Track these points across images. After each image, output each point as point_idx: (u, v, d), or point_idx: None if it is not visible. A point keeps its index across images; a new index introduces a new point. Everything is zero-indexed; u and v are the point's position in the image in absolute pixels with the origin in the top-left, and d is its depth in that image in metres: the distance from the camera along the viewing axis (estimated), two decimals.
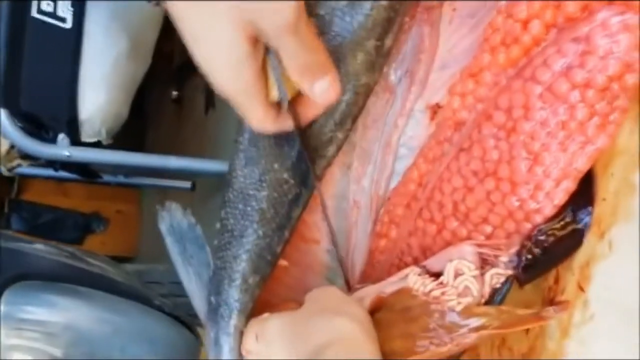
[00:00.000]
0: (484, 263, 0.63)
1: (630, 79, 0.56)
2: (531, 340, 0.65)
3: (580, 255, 0.61)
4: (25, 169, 1.87)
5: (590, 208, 0.60)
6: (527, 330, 0.65)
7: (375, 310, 0.67)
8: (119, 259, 1.81)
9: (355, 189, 0.73)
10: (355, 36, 0.64)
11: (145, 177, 2.21)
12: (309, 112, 0.63)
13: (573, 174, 0.59)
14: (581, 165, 0.59)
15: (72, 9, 1.58)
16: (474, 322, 0.60)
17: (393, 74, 0.71)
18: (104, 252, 1.24)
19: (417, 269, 0.65)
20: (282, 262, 0.71)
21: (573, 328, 0.60)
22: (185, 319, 0.98)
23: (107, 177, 2.08)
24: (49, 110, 1.61)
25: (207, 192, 2.02)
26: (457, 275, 0.62)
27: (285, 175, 0.67)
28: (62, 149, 1.64)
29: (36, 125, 1.63)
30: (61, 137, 1.64)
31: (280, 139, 0.65)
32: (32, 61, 1.56)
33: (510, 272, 0.62)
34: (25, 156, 1.73)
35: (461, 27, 0.68)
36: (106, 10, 1.63)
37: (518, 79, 0.60)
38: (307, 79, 0.58)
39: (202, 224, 0.76)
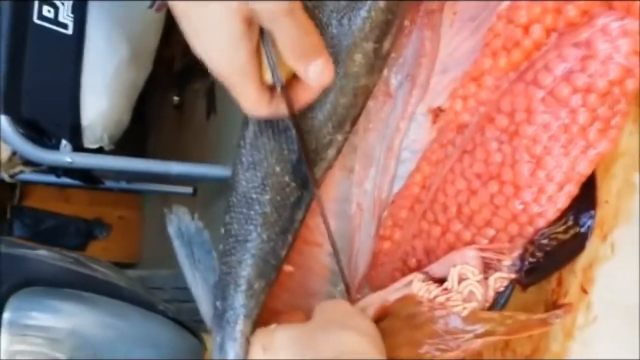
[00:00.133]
0: (487, 267, 0.63)
1: (631, 84, 0.56)
2: (534, 342, 0.65)
3: (583, 258, 0.61)
4: (27, 175, 1.87)
5: (592, 212, 0.61)
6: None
7: (380, 319, 0.67)
8: (121, 265, 1.81)
9: (358, 192, 0.73)
10: (354, 38, 0.64)
11: (147, 182, 2.21)
12: (303, 97, 0.63)
13: (575, 178, 0.60)
14: (583, 169, 0.59)
15: (73, 15, 1.58)
16: (479, 328, 0.61)
17: (394, 78, 0.71)
18: (106, 258, 1.24)
19: (420, 276, 0.65)
20: (287, 268, 0.71)
21: (576, 330, 0.61)
22: (188, 324, 0.98)
23: (109, 183, 2.08)
24: (51, 116, 1.61)
25: (208, 198, 2.02)
26: (461, 280, 0.63)
27: (287, 179, 0.67)
28: (64, 155, 1.64)
29: (38, 132, 1.63)
30: (63, 143, 1.64)
31: (280, 142, 0.66)
32: (34, 67, 1.56)
33: (513, 275, 0.62)
34: (27, 162, 1.73)
35: (462, 31, 0.68)
36: (107, 16, 1.63)
37: (520, 83, 0.60)
38: (301, 60, 0.58)
39: None
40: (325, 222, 0.70)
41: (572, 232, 0.61)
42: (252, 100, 0.60)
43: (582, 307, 0.61)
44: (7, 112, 1.55)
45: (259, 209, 0.68)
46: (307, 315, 0.70)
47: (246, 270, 0.68)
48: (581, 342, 0.60)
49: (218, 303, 0.70)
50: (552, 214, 0.61)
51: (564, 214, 0.61)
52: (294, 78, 0.61)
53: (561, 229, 0.61)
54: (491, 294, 0.62)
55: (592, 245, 0.60)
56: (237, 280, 0.69)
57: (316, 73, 0.58)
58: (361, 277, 0.74)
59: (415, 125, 0.71)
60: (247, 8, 0.54)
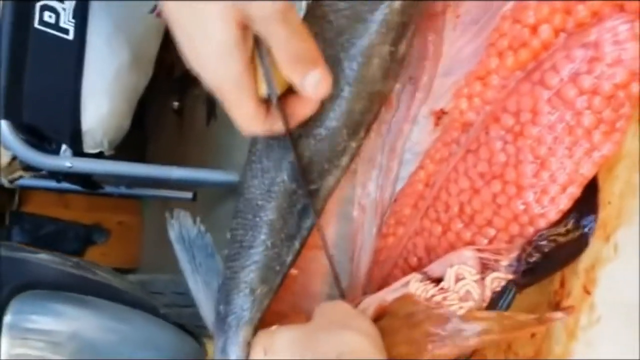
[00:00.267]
0: (485, 267, 0.63)
1: (636, 88, 0.57)
2: (537, 344, 0.65)
3: (586, 259, 0.61)
4: (27, 180, 1.87)
5: (593, 216, 0.61)
6: (533, 334, 0.65)
7: (379, 318, 0.67)
8: (120, 271, 1.80)
9: (361, 194, 0.73)
10: (370, 41, 0.63)
11: (146, 188, 2.21)
12: (300, 111, 0.62)
13: (579, 180, 0.60)
14: (587, 171, 0.59)
15: (74, 20, 1.58)
16: (476, 326, 0.61)
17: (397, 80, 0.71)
18: (105, 264, 1.24)
19: (418, 276, 0.66)
20: (292, 271, 0.71)
21: (580, 331, 0.61)
22: (190, 328, 0.98)
23: (109, 188, 2.08)
24: (51, 121, 1.61)
25: (208, 203, 2.02)
26: (458, 280, 0.63)
27: (294, 186, 0.67)
28: (64, 160, 1.64)
29: (38, 137, 1.63)
30: (63, 148, 1.64)
31: (288, 149, 0.65)
32: (34, 73, 1.56)
33: (510, 276, 0.62)
34: (27, 167, 1.73)
35: (465, 34, 0.68)
36: (108, 21, 1.63)
37: (526, 82, 0.60)
38: (298, 70, 0.57)
39: None
40: (321, 233, 0.70)
41: (572, 234, 0.61)
42: (247, 114, 0.59)
43: (585, 308, 0.61)
44: (7, 117, 1.55)
45: (265, 216, 0.67)
46: (309, 318, 0.70)
47: (249, 275, 0.68)
48: (584, 342, 0.60)
49: (221, 307, 0.70)
50: (553, 215, 0.61)
51: (565, 216, 0.61)
52: (290, 92, 0.60)
53: (561, 231, 0.61)
54: (488, 293, 0.62)
55: (595, 246, 0.60)
56: (240, 285, 0.68)
57: (313, 84, 0.58)
58: (363, 275, 0.74)
59: (418, 128, 0.71)
60: (241, 14, 0.54)
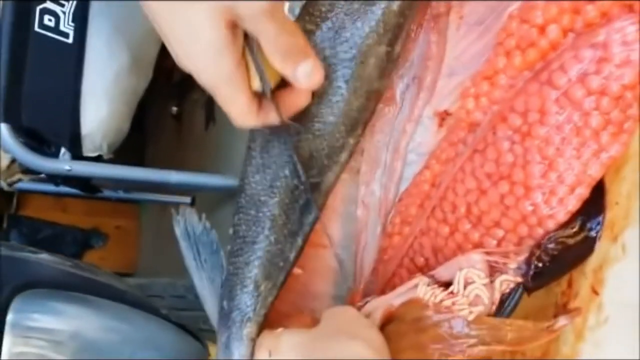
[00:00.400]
0: (493, 270, 0.63)
1: None
2: (544, 345, 0.65)
3: (594, 259, 0.61)
4: (26, 184, 1.87)
5: (600, 217, 0.61)
6: None
7: (386, 323, 0.67)
8: (118, 275, 1.81)
9: (364, 192, 0.73)
10: (367, 41, 0.64)
11: (145, 192, 2.21)
12: (294, 103, 0.62)
13: (587, 181, 0.60)
14: (595, 172, 0.59)
15: (73, 23, 1.58)
16: (485, 333, 0.61)
17: (400, 81, 0.71)
18: (103, 268, 1.24)
19: (425, 279, 0.65)
20: (295, 270, 0.71)
21: (587, 331, 0.61)
22: (191, 329, 0.98)
23: (107, 192, 2.08)
24: (51, 124, 1.61)
25: (207, 207, 2.01)
26: (467, 284, 0.62)
27: (296, 181, 0.67)
28: (63, 163, 1.64)
29: (37, 140, 1.63)
30: (62, 151, 1.64)
31: (290, 145, 0.65)
32: (34, 76, 1.56)
33: (519, 279, 0.62)
34: (26, 171, 1.72)
35: (469, 35, 0.69)
36: (108, 24, 1.63)
37: (534, 82, 0.60)
38: (289, 63, 0.57)
39: None
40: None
41: (579, 236, 0.61)
42: (241, 109, 0.59)
43: (593, 308, 0.61)
44: (7, 120, 1.55)
45: (267, 211, 0.68)
46: (313, 318, 0.70)
47: (253, 271, 0.68)
48: (592, 343, 0.60)
49: (224, 303, 0.70)
50: (562, 216, 0.61)
51: (573, 218, 0.61)
52: (282, 85, 0.61)
53: (569, 232, 0.61)
54: (497, 296, 0.62)
55: (603, 246, 0.60)
56: (244, 281, 0.68)
57: (305, 75, 0.58)
58: (367, 273, 0.74)
59: (422, 129, 0.71)
60: (230, 12, 0.54)
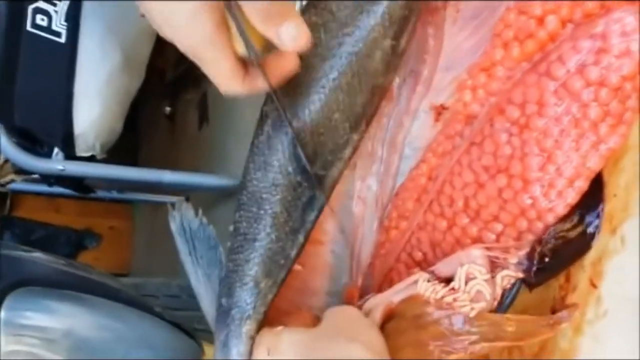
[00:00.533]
0: (494, 266, 0.62)
1: None
2: (542, 340, 0.64)
3: (592, 252, 0.61)
4: (19, 184, 1.87)
5: (599, 210, 0.60)
6: None
7: (387, 320, 0.66)
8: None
9: (361, 187, 0.73)
10: (373, 34, 0.63)
11: (138, 192, 2.20)
12: (281, 68, 0.60)
13: (586, 174, 0.59)
14: (594, 164, 0.59)
15: (66, 23, 1.58)
16: (486, 329, 0.60)
17: (398, 74, 0.71)
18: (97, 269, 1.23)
19: (425, 275, 0.65)
20: (296, 267, 0.70)
21: (586, 325, 0.60)
22: (186, 327, 0.98)
23: (100, 193, 2.07)
24: (44, 124, 1.61)
25: (200, 207, 2.01)
26: (468, 279, 0.62)
27: (299, 178, 0.66)
28: (56, 163, 1.63)
29: (30, 140, 1.62)
30: (55, 151, 1.63)
31: (294, 141, 0.65)
32: (27, 76, 1.56)
33: (520, 274, 0.61)
34: (19, 171, 1.72)
35: (465, 28, 0.68)
36: (100, 24, 1.63)
37: (533, 74, 0.60)
38: (270, 24, 0.55)
39: None
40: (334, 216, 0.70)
41: (578, 229, 0.61)
42: (225, 75, 0.58)
43: (591, 301, 0.60)
44: None
45: (269, 209, 0.67)
46: (313, 315, 0.69)
47: (253, 269, 0.67)
48: (591, 337, 0.60)
49: (223, 300, 0.69)
50: (561, 209, 0.60)
51: (572, 211, 0.61)
52: (268, 51, 0.59)
53: (568, 226, 0.61)
54: (499, 291, 0.62)
55: (602, 238, 0.60)
56: (244, 278, 0.68)
57: (289, 35, 0.55)
58: (365, 267, 0.74)
59: (418, 123, 0.71)
60: None
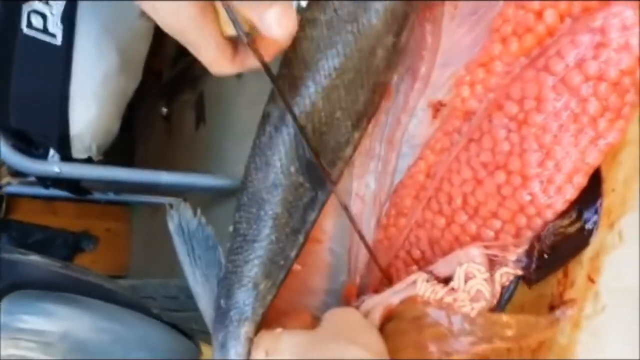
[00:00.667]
0: (492, 264, 0.62)
1: None
2: None
3: (590, 247, 0.60)
4: (15, 187, 1.86)
5: (597, 206, 0.60)
6: None
7: (386, 322, 0.66)
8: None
9: (358, 185, 0.73)
10: (375, 31, 0.63)
11: (135, 194, 2.20)
12: (274, 44, 0.59)
13: (584, 169, 0.59)
14: (593, 159, 0.59)
15: (62, 24, 1.58)
16: (487, 329, 0.60)
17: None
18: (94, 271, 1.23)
19: (424, 275, 0.64)
20: (295, 267, 0.70)
21: (584, 320, 0.60)
22: (184, 328, 0.97)
23: (97, 195, 2.07)
24: (39, 126, 1.60)
25: (197, 208, 2.01)
26: (467, 279, 0.61)
27: (301, 179, 0.66)
28: (53, 165, 1.63)
29: (26, 142, 1.62)
30: (52, 153, 1.63)
31: (297, 141, 0.64)
32: (22, 77, 1.56)
33: (519, 271, 0.61)
34: (15, 173, 1.71)
35: (463, 25, 0.68)
36: (96, 25, 1.62)
37: (531, 69, 0.60)
38: (255, 9, 0.53)
39: None
40: (352, 221, 0.69)
41: (577, 225, 0.61)
42: (212, 56, 0.57)
43: (589, 296, 0.60)
44: None
45: (269, 210, 0.66)
46: (312, 315, 0.69)
47: (253, 270, 0.67)
48: (590, 332, 0.59)
49: (222, 301, 0.68)
50: (560, 205, 0.60)
51: (571, 207, 0.60)
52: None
53: (566, 222, 0.60)
54: (498, 288, 0.61)
55: (599, 233, 0.60)
56: (243, 279, 0.67)
57: (273, 22, 0.53)
58: (363, 268, 0.74)
59: (416, 120, 0.71)
60: None
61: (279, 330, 0.65)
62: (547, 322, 0.60)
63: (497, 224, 0.63)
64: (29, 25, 1.54)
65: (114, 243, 2.61)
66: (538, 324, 0.60)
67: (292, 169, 0.65)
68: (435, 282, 0.64)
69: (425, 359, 0.61)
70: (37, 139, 1.63)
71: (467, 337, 0.60)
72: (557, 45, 0.58)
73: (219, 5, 0.55)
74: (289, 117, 0.63)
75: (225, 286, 0.68)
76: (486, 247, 0.62)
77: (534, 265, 0.60)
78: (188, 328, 0.97)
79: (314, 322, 0.66)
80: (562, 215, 0.60)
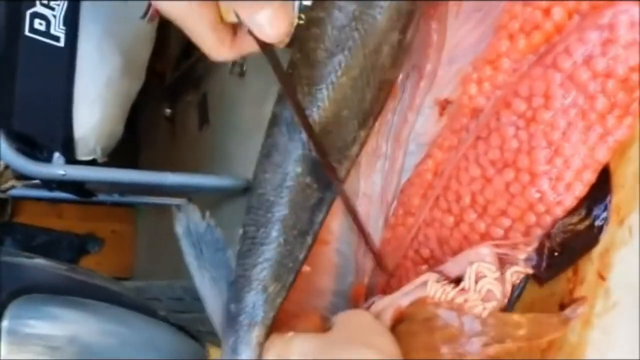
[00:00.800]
0: (502, 262, 0.61)
1: None
2: None
3: (600, 244, 0.60)
4: (20, 190, 1.86)
5: (606, 203, 0.60)
6: None
7: (397, 323, 0.65)
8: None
9: (365, 184, 0.72)
10: (381, 28, 0.63)
11: (140, 195, 2.20)
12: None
13: (593, 166, 0.58)
14: (601, 156, 0.58)
15: (64, 27, 1.58)
16: (499, 330, 0.59)
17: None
18: (100, 273, 1.23)
19: (435, 276, 0.63)
20: (304, 268, 0.69)
21: (595, 318, 0.59)
22: (190, 330, 0.97)
23: (102, 197, 2.07)
24: (44, 129, 1.61)
25: (203, 209, 2.00)
26: (478, 278, 0.61)
27: (308, 180, 0.65)
28: (57, 168, 1.63)
29: (30, 145, 1.62)
30: (56, 156, 1.63)
31: (304, 142, 0.64)
32: (26, 81, 1.56)
33: (530, 270, 0.60)
34: (20, 177, 1.71)
35: (467, 22, 0.67)
36: (99, 27, 1.63)
37: (539, 66, 0.59)
38: (246, 10, 0.52)
39: None
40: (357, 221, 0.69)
41: (586, 222, 0.60)
42: (210, 42, 0.57)
43: (600, 293, 0.59)
44: None
45: (277, 212, 0.66)
46: (322, 317, 0.68)
47: (262, 273, 0.66)
48: (601, 329, 0.59)
49: (232, 306, 0.68)
50: (570, 202, 0.59)
51: (580, 204, 0.60)
52: None
53: (576, 219, 0.60)
54: (508, 287, 0.61)
55: (609, 230, 0.59)
56: (252, 283, 0.67)
57: (264, 23, 0.51)
58: (370, 268, 0.73)
59: (422, 118, 0.70)
60: None
61: (290, 334, 0.64)
62: (558, 322, 0.59)
63: (506, 222, 0.62)
64: (32, 28, 1.54)
65: (119, 245, 2.61)
66: (550, 323, 0.60)
67: (300, 169, 0.65)
68: (446, 282, 0.63)
69: None
70: (41, 142, 1.63)
71: (479, 338, 0.59)
72: (565, 42, 0.58)
73: None
74: (296, 117, 0.62)
75: (235, 290, 0.68)
76: (496, 246, 0.61)
77: (544, 264, 0.60)
78: (194, 330, 0.97)
79: (323, 323, 0.66)
80: (572, 212, 0.60)
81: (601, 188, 0.60)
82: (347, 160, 0.66)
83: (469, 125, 0.65)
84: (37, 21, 1.56)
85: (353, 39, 0.62)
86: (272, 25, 0.52)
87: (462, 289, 0.61)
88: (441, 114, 0.69)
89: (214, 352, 0.95)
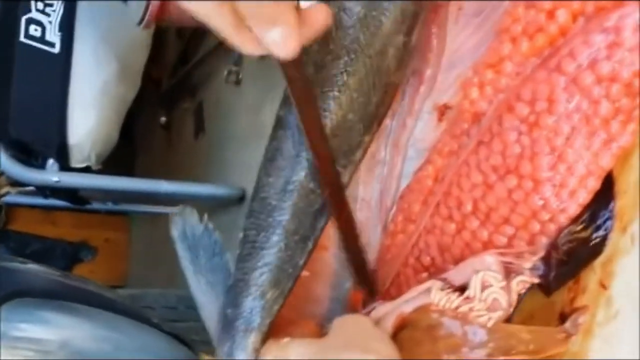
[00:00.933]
0: (508, 272, 0.60)
1: None
2: None
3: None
4: (14, 197, 1.85)
5: (610, 210, 0.59)
6: None
7: (399, 330, 0.64)
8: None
9: (364, 190, 0.72)
10: (386, 30, 0.62)
11: (134, 203, 2.19)
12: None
13: (597, 172, 0.58)
14: (605, 163, 0.57)
15: (60, 33, 1.57)
16: (504, 343, 0.58)
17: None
18: None
19: (439, 283, 0.62)
20: (303, 273, 0.68)
21: (597, 327, 0.58)
22: (184, 338, 0.96)
23: (96, 204, 2.06)
24: (38, 135, 1.60)
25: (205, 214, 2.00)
26: (484, 287, 0.60)
27: (312, 185, 0.64)
28: (51, 174, 1.62)
29: (25, 152, 1.61)
30: (50, 162, 1.62)
31: (304, 146, 0.63)
32: (21, 87, 1.56)
33: (535, 279, 0.60)
34: (14, 183, 1.70)
35: (467, 27, 0.67)
36: (94, 33, 1.62)
37: (542, 70, 0.58)
38: (260, 26, 0.51)
39: None
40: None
41: (590, 230, 0.59)
42: (237, 41, 0.54)
43: (601, 302, 0.58)
44: None
45: (279, 216, 0.65)
46: (318, 324, 0.68)
47: (261, 278, 0.66)
48: (602, 339, 0.58)
49: (229, 311, 0.67)
50: (574, 210, 0.59)
51: (583, 211, 0.59)
52: None
53: (580, 227, 0.59)
54: (514, 297, 0.60)
55: (612, 238, 0.58)
56: (251, 288, 0.66)
57: (274, 42, 0.51)
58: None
59: (421, 124, 0.70)
60: None
61: (286, 339, 0.64)
62: (562, 336, 0.59)
63: (509, 230, 0.61)
64: (27, 34, 1.54)
65: (112, 253, 2.60)
66: (554, 336, 0.59)
67: (303, 174, 0.64)
68: (450, 290, 0.62)
69: None
70: (36, 148, 1.62)
71: (483, 349, 0.59)
72: (569, 45, 0.57)
73: None
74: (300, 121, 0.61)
75: (233, 295, 0.67)
76: (501, 254, 0.61)
77: (552, 273, 0.59)
78: (188, 338, 0.96)
79: (319, 331, 0.65)
80: (575, 220, 0.59)
81: (604, 195, 0.59)
82: (351, 165, 0.66)
83: (470, 130, 0.64)
84: (32, 27, 1.55)
85: (358, 41, 0.62)
86: (280, 44, 0.51)
87: (467, 298, 0.60)
88: (440, 120, 0.68)
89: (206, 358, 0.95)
